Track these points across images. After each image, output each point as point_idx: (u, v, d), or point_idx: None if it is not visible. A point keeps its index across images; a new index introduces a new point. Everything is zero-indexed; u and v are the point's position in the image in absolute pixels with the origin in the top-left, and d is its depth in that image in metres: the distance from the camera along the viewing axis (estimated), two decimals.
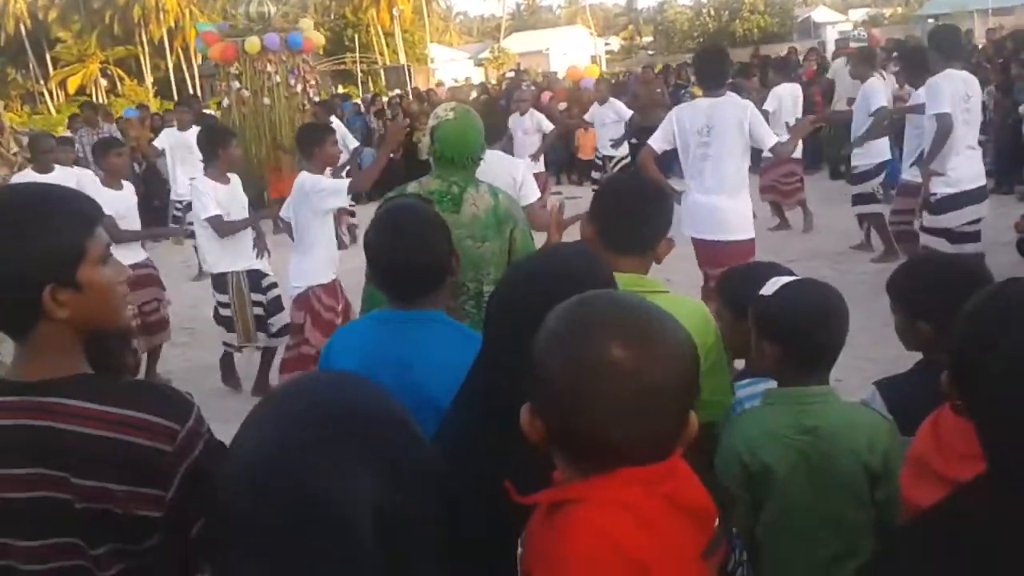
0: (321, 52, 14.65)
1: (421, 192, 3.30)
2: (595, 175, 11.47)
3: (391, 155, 14.24)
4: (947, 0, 52.92)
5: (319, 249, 5.37)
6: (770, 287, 1.98)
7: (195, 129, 9.78)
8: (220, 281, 5.90)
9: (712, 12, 58.56)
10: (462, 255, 3.25)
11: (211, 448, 1.53)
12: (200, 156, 9.01)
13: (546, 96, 16.40)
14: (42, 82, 53.30)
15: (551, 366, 1.14)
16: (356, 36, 43.62)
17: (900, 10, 74.52)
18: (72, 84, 52.18)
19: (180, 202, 10.01)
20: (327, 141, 5.45)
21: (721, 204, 5.22)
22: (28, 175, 7.21)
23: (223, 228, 5.66)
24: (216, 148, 5.80)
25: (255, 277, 5.95)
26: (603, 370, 1.09)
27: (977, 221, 6.11)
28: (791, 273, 2.16)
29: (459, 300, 3.31)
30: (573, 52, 51.33)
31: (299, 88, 12.84)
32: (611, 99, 11.03)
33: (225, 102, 13.13)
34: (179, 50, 53.99)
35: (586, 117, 11.51)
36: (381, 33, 48.71)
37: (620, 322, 1.13)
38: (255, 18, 12.97)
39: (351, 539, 0.97)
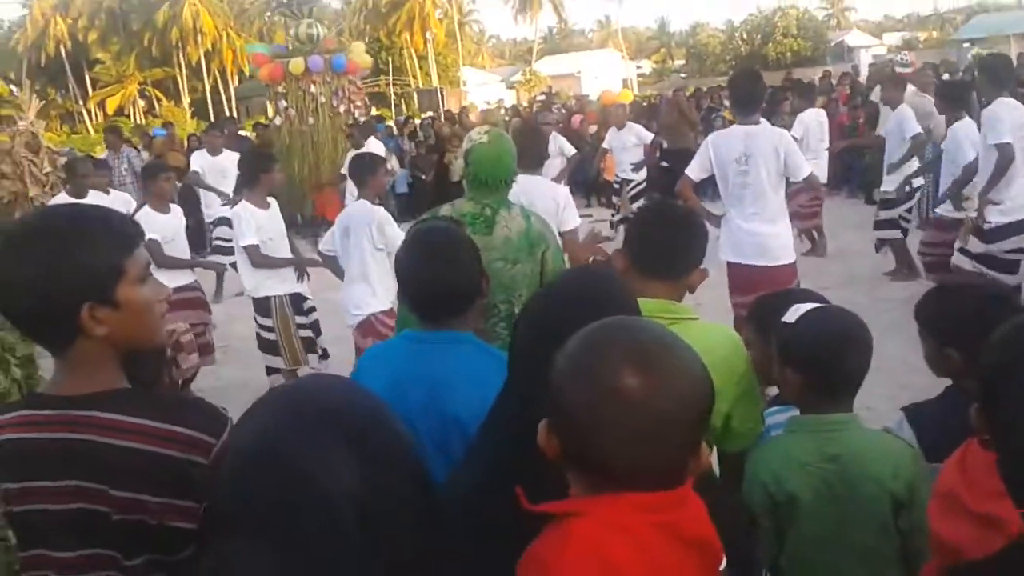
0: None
1: (454, 214, 3.33)
2: (615, 199, 11.44)
3: (423, 177, 14.17)
4: (983, 25, 52.55)
5: (378, 279, 5.35)
6: (792, 314, 1.96)
7: (226, 153, 9.86)
8: (263, 305, 5.88)
9: (744, 35, 58.50)
10: (494, 277, 3.22)
11: None
12: (232, 180, 9.04)
13: (577, 119, 16.46)
14: (81, 102, 54.26)
15: (565, 388, 1.17)
16: (390, 59, 44.06)
17: (935, 34, 74.07)
18: (111, 105, 53.10)
19: (211, 223, 10.05)
20: (379, 171, 5.52)
21: (764, 230, 5.25)
22: (62, 198, 7.25)
23: (259, 259, 5.68)
24: (257, 173, 5.79)
25: (297, 300, 5.96)
26: (613, 396, 1.11)
27: (1020, 251, 6.00)
28: (822, 300, 2.15)
29: (490, 322, 3.32)
30: (605, 75, 51.45)
31: (342, 109, 13.02)
32: (630, 123, 11.02)
33: (277, 120, 13.38)
34: (216, 72, 54.80)
35: (604, 143, 11.52)
36: (415, 56, 49.21)
37: (635, 349, 1.15)
38: (304, 40, 13.20)
39: (336, 521, 1.07)
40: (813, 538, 1.90)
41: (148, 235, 5.66)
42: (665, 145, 13.54)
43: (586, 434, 1.14)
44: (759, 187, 5.21)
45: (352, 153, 9.15)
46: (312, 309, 6.09)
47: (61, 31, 52.95)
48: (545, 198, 4.57)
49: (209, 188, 9.99)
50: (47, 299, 1.47)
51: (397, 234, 5.23)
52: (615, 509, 1.14)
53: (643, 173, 10.85)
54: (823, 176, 8.40)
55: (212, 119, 49.56)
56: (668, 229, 2.27)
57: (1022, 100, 6.30)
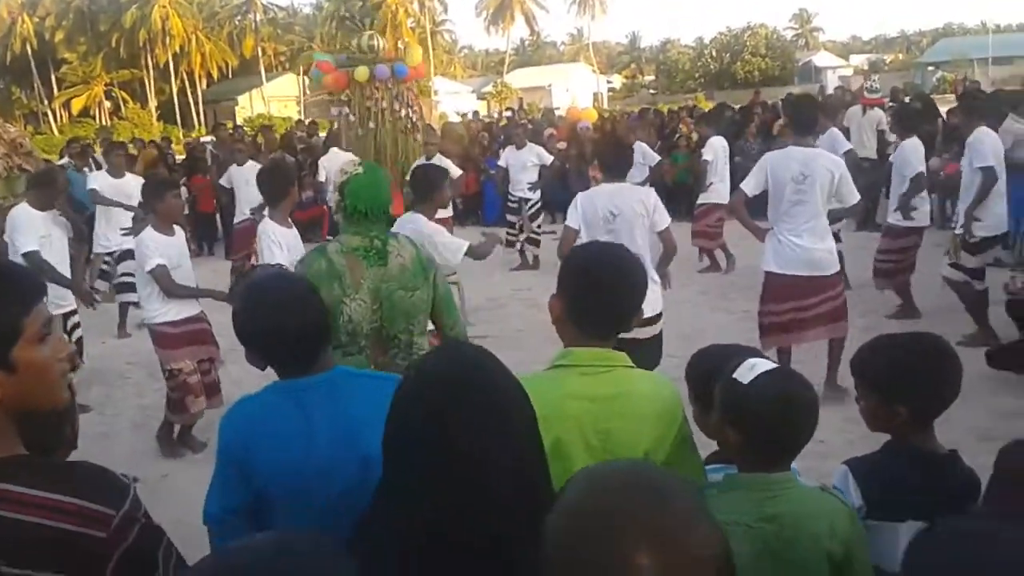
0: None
1: (343, 249, 3.25)
2: (510, 218, 11.47)
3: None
4: (948, 48, 53.60)
5: None
6: (744, 373, 1.89)
7: (129, 176, 8.84)
8: None
9: (714, 53, 59.17)
10: (394, 307, 3.25)
11: (147, 532, 1.47)
12: (133, 205, 8.21)
13: (548, 134, 16.49)
14: (46, 102, 53.60)
15: (568, 550, 1.00)
16: None
17: (900, 57, 75.45)
18: (76, 105, 52.55)
19: (110, 254, 8.84)
20: (444, 185, 5.19)
21: (814, 244, 5.59)
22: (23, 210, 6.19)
23: None
24: (286, 188, 5.42)
25: None
26: (623, 571, 0.96)
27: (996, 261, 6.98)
28: (757, 354, 2.07)
29: (390, 353, 3.26)
30: (575, 88, 51.74)
31: (403, 113, 13.54)
32: (530, 143, 11.49)
33: (335, 126, 14.18)
34: (184, 75, 54.39)
35: (501, 161, 11.91)
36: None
37: (649, 519, 0.99)
38: (365, 50, 13.84)
39: None
40: None
41: (155, 260, 5.33)
42: None
43: None
44: (814, 205, 5.51)
45: (418, 163, 8.90)
46: None
47: (27, 29, 52.28)
48: (634, 202, 4.93)
49: (114, 204, 8.67)
50: None
51: (453, 243, 4.84)
52: None
53: (539, 193, 11.21)
54: (726, 197, 8.88)
55: (179, 122, 49.30)
56: (606, 281, 2.07)
57: None
